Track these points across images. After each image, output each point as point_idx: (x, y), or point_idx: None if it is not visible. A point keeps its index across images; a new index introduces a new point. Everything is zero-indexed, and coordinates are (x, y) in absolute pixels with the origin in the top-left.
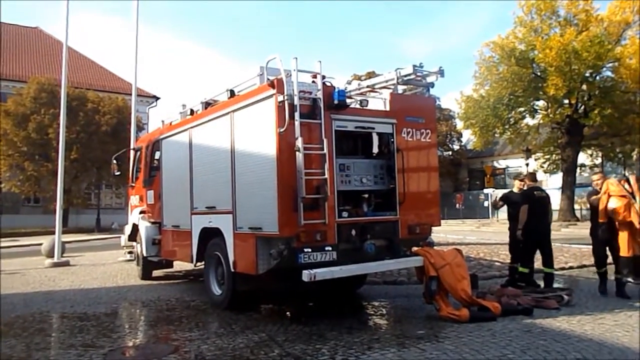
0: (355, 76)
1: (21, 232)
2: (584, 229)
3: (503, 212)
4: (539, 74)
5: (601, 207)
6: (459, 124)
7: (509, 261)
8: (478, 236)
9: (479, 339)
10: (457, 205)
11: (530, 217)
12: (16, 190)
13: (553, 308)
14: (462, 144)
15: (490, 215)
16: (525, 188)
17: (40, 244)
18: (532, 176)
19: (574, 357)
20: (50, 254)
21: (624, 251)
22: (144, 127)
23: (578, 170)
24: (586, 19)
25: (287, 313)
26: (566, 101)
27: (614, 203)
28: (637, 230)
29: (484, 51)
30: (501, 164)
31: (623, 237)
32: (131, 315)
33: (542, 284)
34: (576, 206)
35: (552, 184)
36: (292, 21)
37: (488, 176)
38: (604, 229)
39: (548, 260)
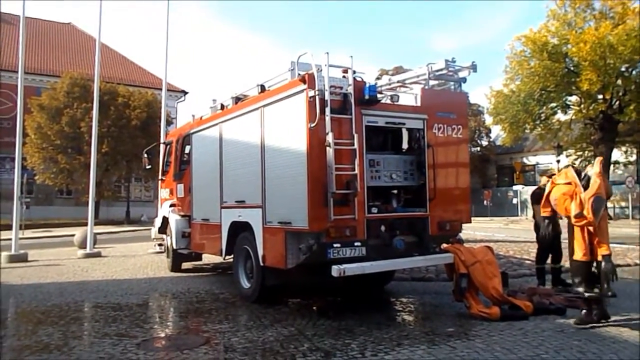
0: (383, 71)
1: (54, 223)
2: (616, 228)
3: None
4: (572, 68)
5: (543, 199)
6: (488, 120)
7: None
8: (507, 233)
9: (510, 337)
10: (485, 202)
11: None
12: (50, 183)
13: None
14: (491, 139)
15: (519, 213)
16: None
17: (73, 235)
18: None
19: (609, 359)
20: (83, 245)
21: (575, 254)
22: (172, 122)
23: (612, 167)
24: (623, 11)
25: (314, 308)
26: (600, 96)
27: (554, 193)
28: (599, 229)
29: (515, 45)
30: (531, 160)
31: (577, 236)
32: (162, 306)
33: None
34: (609, 204)
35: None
36: (319, 14)
37: (517, 172)
38: (546, 225)
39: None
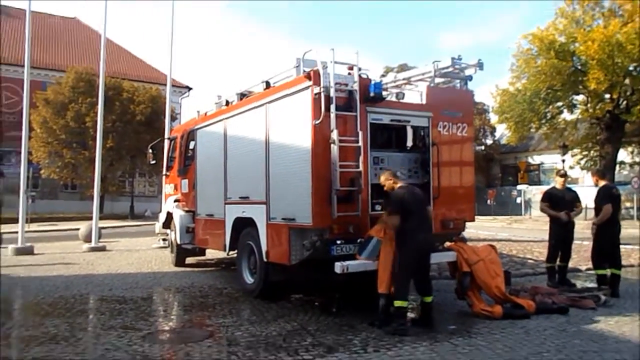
0: (388, 68)
1: (60, 217)
2: (623, 229)
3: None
4: (579, 67)
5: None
6: (493, 118)
7: (542, 259)
8: (510, 233)
9: (512, 336)
10: (489, 201)
11: (610, 217)
12: (55, 177)
13: (589, 308)
14: (496, 138)
15: (523, 212)
16: (600, 185)
17: (78, 229)
18: (602, 173)
19: (611, 358)
20: (88, 239)
21: None
22: (176, 117)
23: (617, 167)
24: (632, 9)
25: (317, 304)
26: (607, 96)
27: None
28: None
29: (522, 43)
30: (535, 159)
31: None
32: (166, 300)
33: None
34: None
35: (588, 182)
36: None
37: (522, 172)
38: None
39: (619, 261)
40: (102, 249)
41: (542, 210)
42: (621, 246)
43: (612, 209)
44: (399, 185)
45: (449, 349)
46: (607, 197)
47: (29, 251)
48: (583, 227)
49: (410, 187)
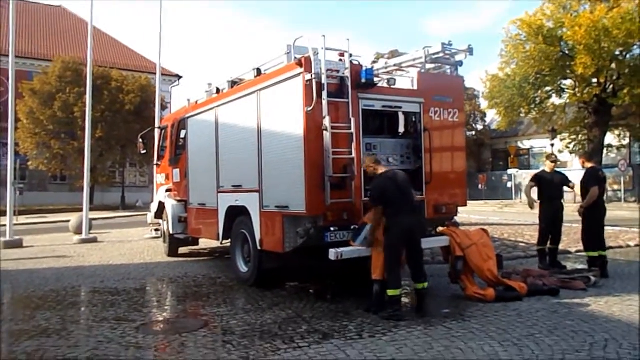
0: (379, 54)
1: (49, 209)
2: (609, 211)
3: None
4: (567, 52)
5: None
6: (483, 104)
7: (533, 242)
8: (501, 217)
9: (505, 318)
10: (480, 186)
11: (597, 199)
12: (43, 168)
13: (580, 289)
14: (486, 124)
15: (514, 196)
16: (587, 167)
17: (68, 221)
18: (589, 155)
19: (602, 338)
20: (78, 231)
21: None
22: (167, 106)
23: (605, 150)
24: None
25: (312, 291)
26: (594, 80)
27: None
28: None
29: (510, 29)
30: (525, 144)
31: None
32: (160, 291)
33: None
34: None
35: (577, 165)
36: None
37: (512, 157)
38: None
39: (604, 243)
40: (93, 240)
41: (526, 191)
42: (610, 228)
43: (599, 192)
44: (380, 171)
45: (443, 332)
46: (594, 179)
47: (18, 244)
48: (573, 210)
49: (390, 172)
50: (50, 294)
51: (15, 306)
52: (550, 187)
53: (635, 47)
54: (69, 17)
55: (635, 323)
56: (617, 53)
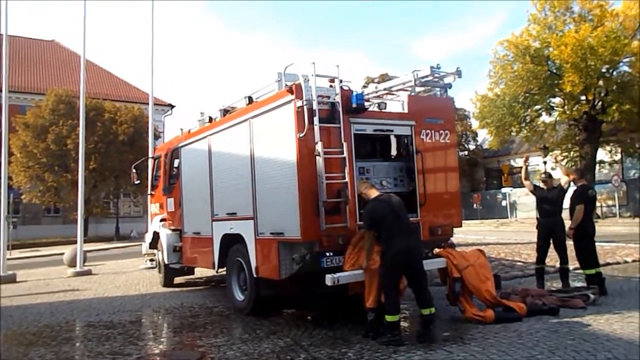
0: (369, 79)
1: (42, 242)
2: (604, 226)
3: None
4: (554, 71)
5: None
6: (475, 124)
7: (531, 261)
8: (497, 236)
9: (505, 340)
10: (475, 205)
11: (585, 217)
12: (37, 201)
13: (579, 307)
14: (478, 143)
15: (509, 215)
16: (578, 184)
17: (62, 254)
18: (580, 172)
19: (604, 357)
20: (73, 263)
21: None
22: (160, 136)
23: (597, 167)
24: (601, 14)
25: (309, 317)
26: (583, 97)
27: None
28: None
29: (498, 50)
30: (518, 162)
31: None
32: (156, 322)
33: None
34: (596, 203)
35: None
36: (302, 20)
37: (505, 175)
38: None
39: (596, 260)
40: (88, 272)
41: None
42: (607, 244)
43: (585, 210)
44: (372, 196)
45: (444, 356)
46: (580, 197)
47: (11, 279)
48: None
49: (383, 196)
50: (44, 330)
51: (8, 343)
52: (544, 203)
53: (621, 64)
54: (61, 51)
55: (636, 340)
56: (604, 70)
